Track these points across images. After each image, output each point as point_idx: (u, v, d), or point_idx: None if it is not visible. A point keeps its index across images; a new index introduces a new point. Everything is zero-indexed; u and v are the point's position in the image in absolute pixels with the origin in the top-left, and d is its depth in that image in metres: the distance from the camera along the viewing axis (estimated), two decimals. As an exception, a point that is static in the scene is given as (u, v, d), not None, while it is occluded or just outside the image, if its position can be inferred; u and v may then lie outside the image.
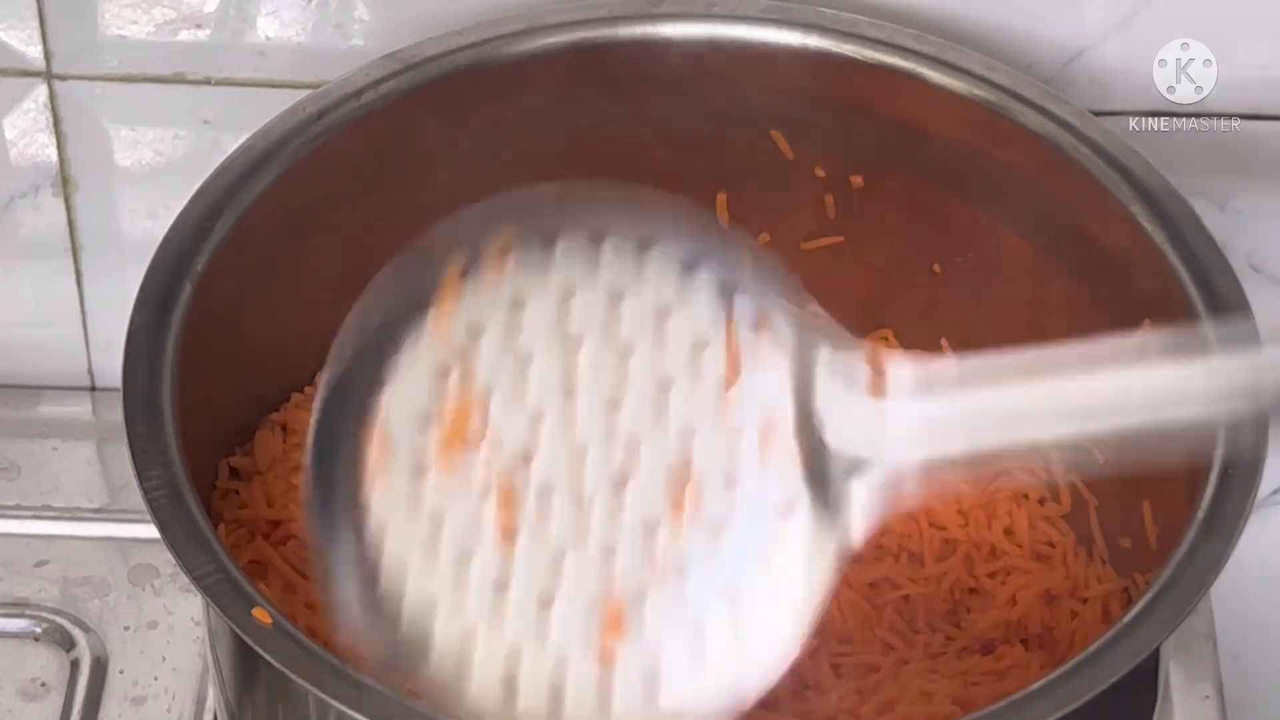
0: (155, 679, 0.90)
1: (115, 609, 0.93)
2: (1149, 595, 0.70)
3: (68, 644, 0.92)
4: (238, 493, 0.85)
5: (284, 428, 0.87)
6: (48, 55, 0.94)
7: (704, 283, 0.72)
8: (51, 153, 0.97)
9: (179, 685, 0.90)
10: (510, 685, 0.69)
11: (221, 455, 0.84)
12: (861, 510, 0.70)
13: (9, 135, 0.96)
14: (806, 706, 0.81)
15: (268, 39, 0.93)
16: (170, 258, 0.79)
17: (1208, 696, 0.89)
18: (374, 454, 0.71)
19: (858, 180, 0.89)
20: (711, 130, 0.89)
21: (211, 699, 0.89)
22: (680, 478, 0.70)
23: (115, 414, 0.75)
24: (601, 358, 0.72)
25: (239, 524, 0.84)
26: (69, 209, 0.98)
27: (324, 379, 0.73)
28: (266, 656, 0.68)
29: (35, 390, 1.03)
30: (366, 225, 0.87)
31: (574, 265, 0.73)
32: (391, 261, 0.74)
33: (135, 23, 0.93)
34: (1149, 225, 0.81)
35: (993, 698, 0.69)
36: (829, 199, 0.90)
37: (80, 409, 1.03)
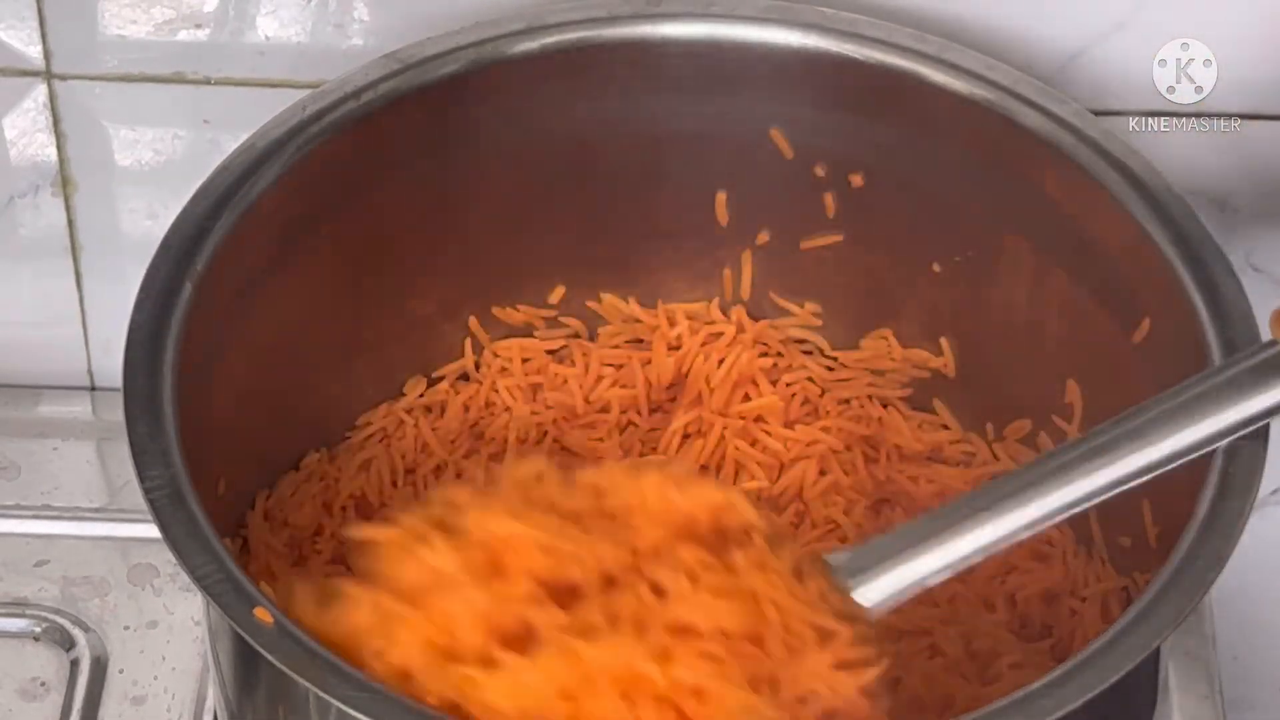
0: (155, 679, 0.90)
1: (115, 609, 0.93)
2: (1149, 595, 0.70)
3: (68, 644, 0.92)
4: None
5: None
6: (47, 55, 0.94)
7: None
8: (51, 153, 0.97)
9: (179, 685, 0.90)
10: None
11: (221, 454, 0.84)
12: None
13: (9, 135, 0.96)
14: None
15: (267, 39, 0.93)
16: (170, 258, 0.79)
17: (1207, 696, 0.89)
18: None
19: (857, 180, 0.90)
20: (711, 130, 0.89)
21: (211, 699, 0.89)
22: None
23: (115, 414, 0.75)
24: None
25: None
26: (69, 209, 0.98)
27: None
28: (267, 656, 0.68)
29: (35, 390, 1.03)
30: (366, 225, 0.87)
31: None
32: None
33: (135, 22, 0.93)
34: (1149, 225, 0.81)
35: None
36: (829, 198, 0.90)
37: (80, 409, 1.03)
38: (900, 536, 0.73)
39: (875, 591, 0.72)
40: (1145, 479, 0.73)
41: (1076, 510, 0.73)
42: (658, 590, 0.70)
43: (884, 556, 0.73)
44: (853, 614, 0.72)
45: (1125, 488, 0.73)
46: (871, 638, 0.71)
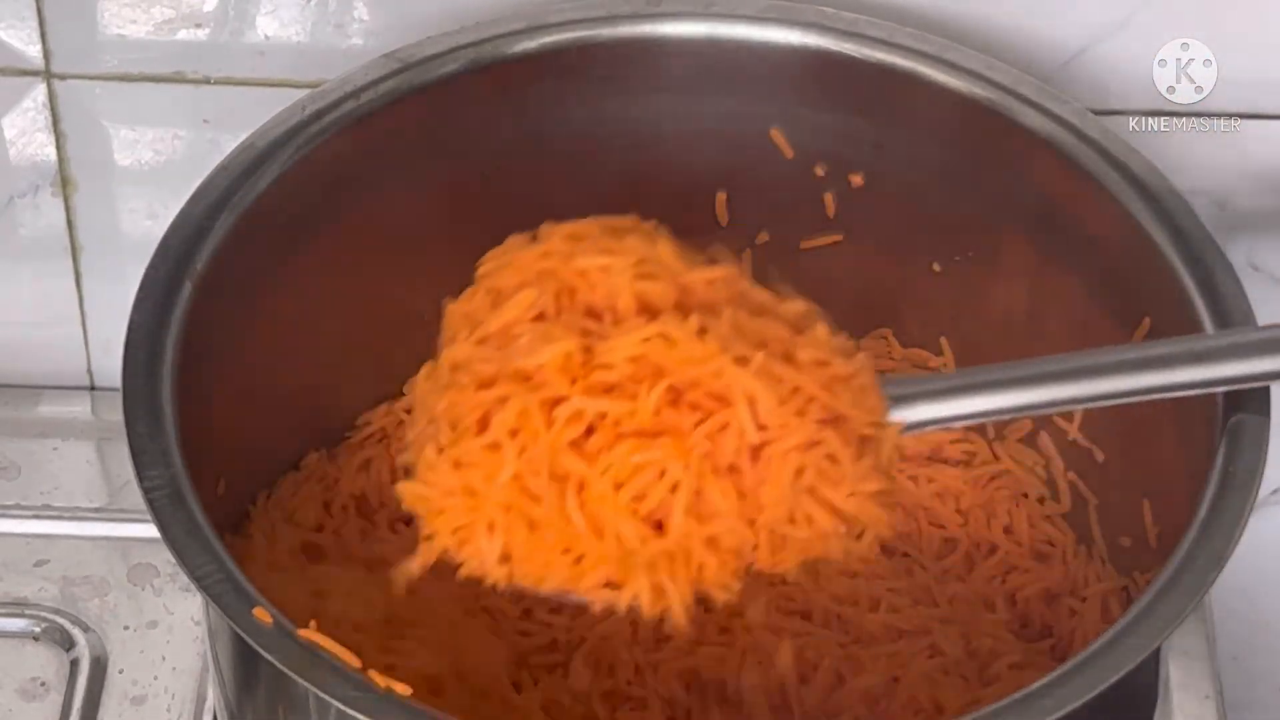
0: (155, 679, 0.90)
1: (115, 609, 0.93)
2: (1149, 595, 0.70)
3: (67, 644, 0.92)
4: None
5: None
6: (47, 55, 0.94)
7: None
8: (51, 152, 0.97)
9: (179, 685, 0.90)
10: None
11: (221, 454, 0.84)
12: None
13: (9, 135, 0.96)
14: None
15: (267, 38, 0.93)
16: (170, 258, 0.79)
17: (1208, 696, 0.89)
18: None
19: (857, 180, 0.90)
20: (711, 130, 0.89)
21: (211, 699, 0.89)
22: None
23: (115, 414, 0.75)
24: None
25: None
26: (68, 209, 0.98)
27: None
28: (267, 656, 0.68)
29: (35, 390, 1.03)
30: (366, 225, 0.87)
31: None
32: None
33: (134, 22, 0.93)
34: (1149, 225, 0.81)
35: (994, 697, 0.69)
36: (828, 198, 0.90)
37: (80, 409, 1.03)
38: (945, 379, 0.77)
39: (914, 414, 0.74)
40: (1193, 392, 0.74)
41: (1111, 402, 0.75)
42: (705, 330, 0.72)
43: (930, 390, 0.75)
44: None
45: (1162, 395, 0.74)
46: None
